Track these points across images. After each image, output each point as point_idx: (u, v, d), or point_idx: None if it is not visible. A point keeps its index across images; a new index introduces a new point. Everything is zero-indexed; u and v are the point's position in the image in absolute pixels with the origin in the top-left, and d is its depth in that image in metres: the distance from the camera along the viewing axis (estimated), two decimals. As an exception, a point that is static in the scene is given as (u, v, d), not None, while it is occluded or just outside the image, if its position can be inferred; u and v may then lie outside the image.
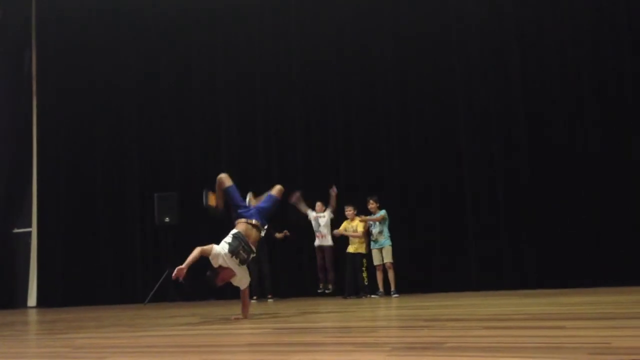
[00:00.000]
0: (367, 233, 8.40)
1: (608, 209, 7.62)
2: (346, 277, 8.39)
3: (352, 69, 9.56)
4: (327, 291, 8.67)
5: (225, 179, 5.45)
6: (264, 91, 10.25)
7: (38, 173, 11.66)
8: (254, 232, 5.22)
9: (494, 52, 8.65)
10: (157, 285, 9.63)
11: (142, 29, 11.25)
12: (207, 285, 5.17)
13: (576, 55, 8.16)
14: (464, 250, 8.41)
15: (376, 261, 8.28)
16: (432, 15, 9.08)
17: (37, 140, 11.77)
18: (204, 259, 5.03)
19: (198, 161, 10.52)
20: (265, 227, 5.53)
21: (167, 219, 10.00)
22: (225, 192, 5.44)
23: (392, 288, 8.09)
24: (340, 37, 9.70)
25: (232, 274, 5.06)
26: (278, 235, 8.87)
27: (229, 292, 7.89)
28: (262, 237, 8.50)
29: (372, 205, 8.34)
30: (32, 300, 11.28)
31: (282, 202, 9.24)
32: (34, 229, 11.51)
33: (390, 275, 8.15)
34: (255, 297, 8.62)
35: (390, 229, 8.31)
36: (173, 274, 4.83)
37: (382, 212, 8.25)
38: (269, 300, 8.71)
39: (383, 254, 8.22)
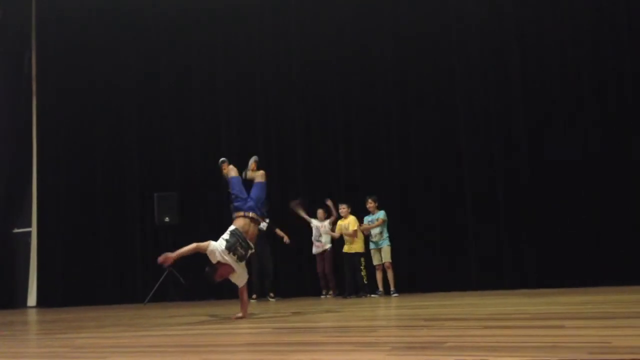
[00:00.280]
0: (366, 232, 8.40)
1: (608, 209, 7.61)
2: (345, 277, 8.40)
3: (352, 69, 9.56)
4: (328, 295, 8.72)
5: (233, 169, 5.64)
6: (264, 91, 10.25)
7: (38, 173, 11.66)
8: (251, 227, 5.23)
9: (494, 52, 8.65)
10: (156, 285, 9.63)
11: (142, 29, 11.25)
12: (206, 281, 5.18)
13: (576, 55, 8.15)
14: (464, 250, 8.41)
15: (375, 261, 8.28)
16: (432, 15, 9.08)
17: (37, 140, 11.76)
18: (202, 256, 5.04)
19: (198, 161, 10.53)
20: (266, 220, 5.57)
21: (167, 219, 10.00)
22: (231, 180, 5.51)
23: (392, 288, 8.09)
24: (340, 37, 9.70)
25: (231, 270, 5.07)
26: (280, 232, 8.88)
27: (229, 292, 7.89)
28: (265, 234, 8.64)
29: (370, 204, 8.34)
30: (32, 300, 11.28)
31: (283, 202, 9.36)
32: (34, 229, 11.51)
33: (390, 274, 8.15)
34: (255, 296, 8.62)
35: (390, 229, 8.31)
36: (159, 258, 4.82)
37: (382, 216, 8.24)
38: (270, 299, 8.71)
39: (382, 254, 8.22)
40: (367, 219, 8.40)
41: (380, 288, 8.22)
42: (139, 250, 10.69)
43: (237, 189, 5.47)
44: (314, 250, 8.91)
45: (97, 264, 10.78)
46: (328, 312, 5.73)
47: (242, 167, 6.00)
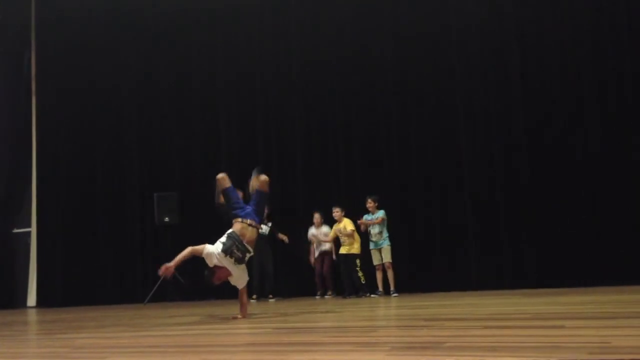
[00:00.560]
0: (366, 232, 8.39)
1: (608, 209, 7.62)
2: (343, 278, 8.42)
3: (352, 69, 9.56)
4: (327, 296, 8.73)
5: (223, 180, 5.46)
6: (264, 91, 10.25)
7: (38, 173, 11.66)
8: (249, 232, 5.22)
9: (494, 52, 8.64)
10: (156, 286, 9.63)
11: (142, 29, 11.25)
12: (205, 284, 5.21)
13: (576, 55, 8.15)
14: (464, 250, 8.41)
15: (375, 261, 8.28)
16: (432, 15, 9.08)
17: (37, 140, 11.76)
18: (202, 258, 5.06)
19: (198, 161, 10.53)
20: (263, 225, 5.54)
21: (167, 219, 10.00)
22: (224, 192, 5.46)
23: (392, 288, 8.09)
24: (340, 37, 9.70)
25: (228, 273, 5.09)
26: (281, 236, 8.91)
27: (229, 292, 7.89)
28: (266, 236, 8.66)
29: (370, 204, 8.35)
30: (31, 300, 11.28)
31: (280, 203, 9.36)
32: (33, 229, 11.51)
33: (390, 274, 8.16)
34: (254, 297, 8.63)
35: (390, 229, 8.31)
36: (161, 271, 4.90)
37: (381, 214, 8.25)
38: (271, 300, 8.71)
39: (382, 253, 8.22)
40: (366, 217, 8.40)
41: (380, 288, 8.23)
42: (139, 250, 10.69)
43: (233, 198, 5.44)
44: (316, 253, 8.95)
45: (97, 264, 10.78)
46: (328, 312, 5.73)
47: (242, 167, 5.99)
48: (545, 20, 8.40)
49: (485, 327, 3.49)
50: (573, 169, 7.90)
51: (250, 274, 5.56)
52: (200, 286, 9.00)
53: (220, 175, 5.49)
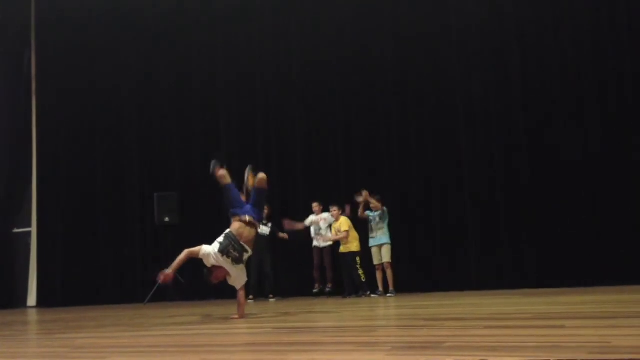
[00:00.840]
0: (366, 222, 8.38)
1: (608, 209, 7.61)
2: (343, 277, 8.42)
3: (352, 69, 9.56)
4: (327, 289, 8.73)
5: (224, 177, 5.48)
6: (264, 91, 10.25)
7: (38, 173, 11.66)
8: (247, 230, 5.22)
9: (494, 52, 8.64)
10: (156, 286, 9.62)
11: (142, 29, 11.25)
12: (205, 283, 5.25)
13: (576, 55, 8.15)
14: (464, 250, 8.41)
15: (375, 260, 8.28)
16: (432, 15, 9.08)
17: (37, 140, 11.77)
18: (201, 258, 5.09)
19: (198, 161, 10.50)
20: (263, 225, 5.54)
21: (167, 219, 10.00)
22: (224, 189, 5.47)
23: (391, 288, 8.09)
24: (340, 37, 9.70)
25: (226, 272, 5.11)
26: (282, 235, 8.91)
27: (230, 292, 7.88)
28: (268, 238, 8.67)
29: (374, 204, 8.34)
30: (32, 300, 11.28)
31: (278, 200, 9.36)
32: (33, 229, 11.51)
33: (389, 274, 8.15)
34: (251, 297, 8.62)
35: (390, 229, 8.31)
36: (160, 279, 4.96)
37: (384, 209, 8.28)
38: (271, 299, 8.71)
39: (382, 252, 8.22)
40: (368, 214, 8.40)
41: (380, 288, 8.23)
42: (139, 250, 10.69)
43: (233, 195, 5.45)
44: (315, 243, 8.92)
45: (97, 264, 10.78)
46: (327, 312, 5.73)
47: (242, 167, 5.98)
48: (545, 20, 8.39)
49: (486, 327, 3.49)
50: (573, 169, 7.90)
51: (247, 274, 5.56)
52: (200, 286, 9.07)
53: (221, 173, 5.51)
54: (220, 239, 5.15)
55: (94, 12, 11.54)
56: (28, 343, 4.35)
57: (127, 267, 10.68)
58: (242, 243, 5.14)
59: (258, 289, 8.84)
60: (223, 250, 5.05)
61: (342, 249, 8.45)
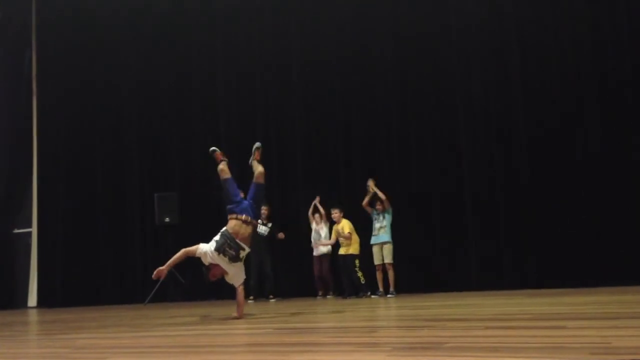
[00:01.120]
0: (370, 226, 8.39)
1: (608, 209, 7.61)
2: (343, 278, 8.43)
3: (352, 69, 9.56)
4: (328, 296, 8.75)
5: (223, 171, 5.53)
6: (264, 91, 10.25)
7: (38, 173, 11.66)
8: (242, 228, 5.23)
9: (494, 52, 8.64)
10: (157, 286, 9.62)
11: (142, 29, 11.24)
12: (205, 283, 5.32)
13: (576, 55, 8.15)
14: (464, 250, 8.41)
15: (377, 261, 8.28)
16: (432, 15, 9.07)
17: (37, 140, 11.76)
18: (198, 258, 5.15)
19: (198, 161, 10.50)
20: (263, 225, 5.57)
21: (167, 219, 10.00)
22: (223, 183, 5.49)
23: (391, 288, 8.09)
24: (340, 37, 9.69)
25: (223, 270, 5.14)
26: (280, 235, 8.91)
27: (230, 292, 7.88)
28: (267, 238, 8.68)
29: (379, 206, 8.36)
30: (32, 300, 11.27)
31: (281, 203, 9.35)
32: (34, 229, 11.51)
33: (390, 275, 8.16)
34: (251, 297, 8.61)
35: (391, 229, 8.31)
36: (153, 274, 5.08)
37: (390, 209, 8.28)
38: (271, 300, 8.71)
39: (384, 252, 8.22)
40: (373, 213, 8.41)
41: (381, 288, 8.23)
42: (139, 250, 10.68)
43: (232, 190, 5.46)
44: (315, 252, 8.95)
45: (97, 264, 10.77)
46: (328, 313, 5.73)
47: (242, 167, 5.99)
48: (545, 20, 8.39)
49: (487, 328, 3.49)
50: (573, 169, 7.90)
51: (247, 274, 5.56)
52: (201, 286, 9.08)
53: (221, 167, 5.55)
54: (217, 237, 5.19)
55: (94, 12, 11.53)
56: (29, 343, 4.35)
57: (127, 267, 10.67)
58: (237, 241, 5.15)
59: (258, 289, 8.84)
60: (219, 249, 5.09)
61: (342, 251, 8.45)
